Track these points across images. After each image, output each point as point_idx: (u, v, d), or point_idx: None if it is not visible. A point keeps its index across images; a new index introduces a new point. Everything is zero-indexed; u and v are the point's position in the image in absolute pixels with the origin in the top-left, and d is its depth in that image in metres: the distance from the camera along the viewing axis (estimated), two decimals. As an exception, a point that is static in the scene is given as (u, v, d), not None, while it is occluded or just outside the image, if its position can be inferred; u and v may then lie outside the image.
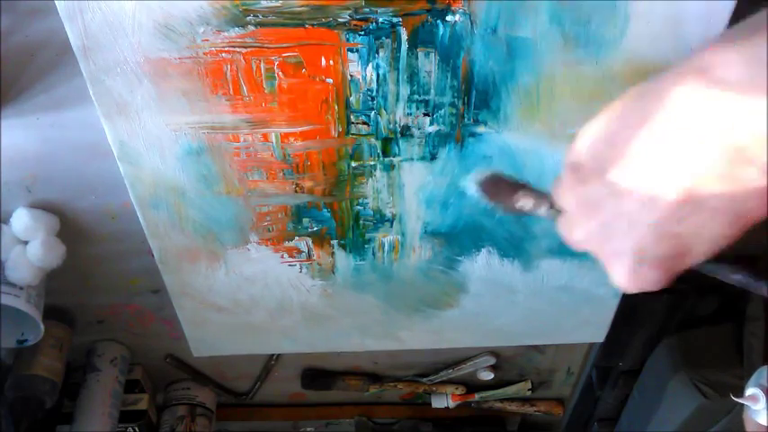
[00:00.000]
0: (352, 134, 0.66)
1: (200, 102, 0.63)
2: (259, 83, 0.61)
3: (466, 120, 0.65)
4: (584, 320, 0.88)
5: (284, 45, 0.59)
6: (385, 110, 0.64)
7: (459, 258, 0.80)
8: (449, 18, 0.57)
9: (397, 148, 0.68)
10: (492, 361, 1.04)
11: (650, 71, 0.60)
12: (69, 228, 0.76)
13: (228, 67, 0.60)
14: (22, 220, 0.73)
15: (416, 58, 0.60)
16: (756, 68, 0.29)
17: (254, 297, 0.84)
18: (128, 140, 0.65)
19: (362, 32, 0.58)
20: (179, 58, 0.59)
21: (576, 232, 0.39)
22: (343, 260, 0.80)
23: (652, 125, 0.33)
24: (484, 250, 0.79)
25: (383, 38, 0.59)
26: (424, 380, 1.09)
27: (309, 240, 0.77)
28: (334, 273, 0.81)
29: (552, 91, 0.63)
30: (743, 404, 0.61)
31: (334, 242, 0.78)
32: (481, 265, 0.80)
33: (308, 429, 1.23)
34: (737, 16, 0.56)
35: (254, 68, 0.60)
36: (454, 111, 0.64)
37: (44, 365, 0.86)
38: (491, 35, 0.59)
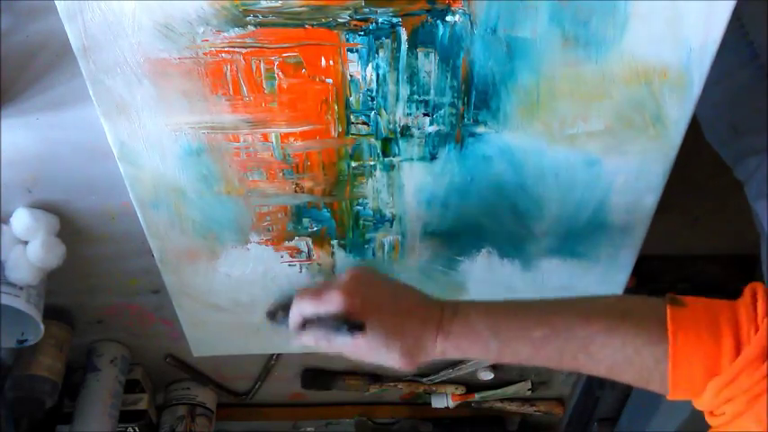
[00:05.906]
0: (352, 134, 0.66)
1: (200, 102, 0.63)
2: (259, 83, 0.61)
3: (466, 120, 0.65)
4: (584, 320, 0.88)
5: (284, 45, 0.59)
6: (385, 110, 0.64)
7: (460, 258, 0.80)
8: (449, 18, 0.57)
9: (396, 149, 0.68)
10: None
11: (650, 71, 0.61)
12: (69, 228, 0.76)
13: (228, 67, 0.60)
14: (22, 220, 0.73)
15: (416, 58, 0.60)
16: None
17: (254, 297, 0.84)
18: (128, 140, 0.65)
19: (362, 32, 0.58)
20: (179, 58, 0.59)
21: None
22: (343, 260, 0.80)
23: None
24: (484, 250, 0.79)
25: (383, 38, 0.59)
26: (424, 380, 1.09)
27: (309, 240, 0.77)
28: (334, 273, 0.81)
29: (552, 91, 0.63)
30: None
31: (334, 242, 0.78)
32: (481, 265, 0.80)
33: (308, 429, 1.23)
34: (737, 16, 0.56)
35: (254, 68, 0.60)
36: (454, 111, 0.64)
37: (44, 365, 0.85)
38: (491, 35, 0.59)
